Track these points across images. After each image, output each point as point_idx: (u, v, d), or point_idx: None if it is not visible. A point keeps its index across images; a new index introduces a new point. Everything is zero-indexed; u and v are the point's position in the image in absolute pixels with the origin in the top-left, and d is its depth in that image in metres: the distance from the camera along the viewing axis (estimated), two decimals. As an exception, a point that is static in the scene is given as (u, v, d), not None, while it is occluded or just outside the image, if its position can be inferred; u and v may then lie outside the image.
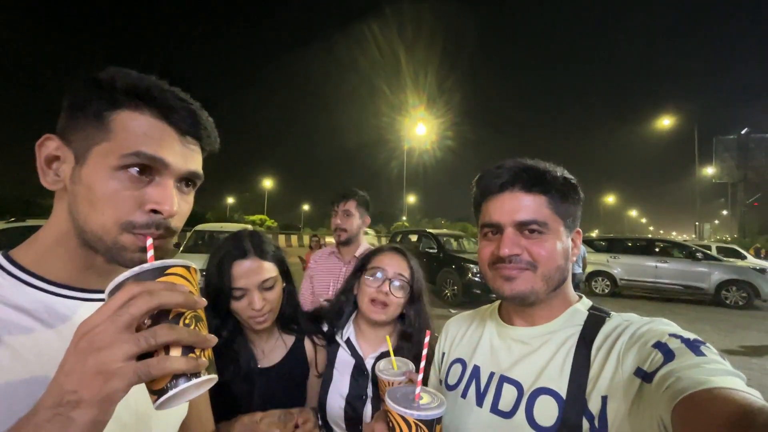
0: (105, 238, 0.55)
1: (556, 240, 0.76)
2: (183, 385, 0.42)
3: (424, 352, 0.71)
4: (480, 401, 0.79)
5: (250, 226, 9.73)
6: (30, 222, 7.75)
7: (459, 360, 0.91)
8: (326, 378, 1.23)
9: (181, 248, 8.39)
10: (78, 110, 0.56)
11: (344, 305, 1.31)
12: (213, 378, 0.46)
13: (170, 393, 0.42)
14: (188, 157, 0.60)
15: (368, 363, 1.21)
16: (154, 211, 0.56)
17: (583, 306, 0.80)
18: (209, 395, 0.89)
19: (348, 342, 1.25)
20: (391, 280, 1.20)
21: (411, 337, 1.22)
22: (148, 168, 0.56)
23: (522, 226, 0.75)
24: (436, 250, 9.68)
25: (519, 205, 0.76)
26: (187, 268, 0.50)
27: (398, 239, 11.53)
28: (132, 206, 0.55)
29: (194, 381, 0.43)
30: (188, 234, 9.13)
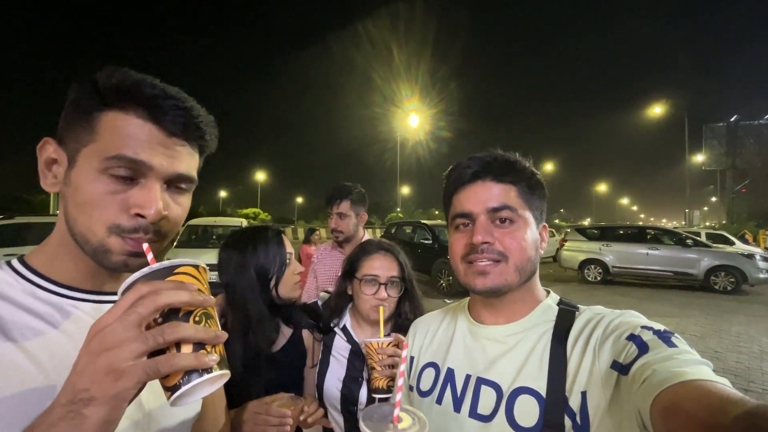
0: (91, 240, 0.55)
1: (527, 229, 0.76)
2: (195, 380, 0.43)
3: (402, 367, 0.67)
4: (457, 407, 0.76)
5: (244, 220, 9.67)
6: (19, 219, 7.63)
7: (431, 364, 0.87)
8: (323, 364, 1.31)
9: (175, 243, 8.30)
10: (71, 112, 0.56)
11: (342, 304, 1.37)
12: (225, 374, 0.47)
13: (183, 389, 0.43)
14: (176, 159, 0.58)
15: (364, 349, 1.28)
16: (140, 215, 0.55)
17: (552, 301, 0.80)
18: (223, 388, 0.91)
19: (344, 329, 1.33)
20: (385, 284, 1.25)
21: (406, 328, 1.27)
22: (132, 171, 0.54)
23: (494, 213, 0.75)
24: (431, 241, 9.71)
25: (490, 194, 0.76)
26: (196, 267, 0.50)
27: (393, 231, 11.57)
28: (117, 209, 0.54)
29: (206, 377, 0.44)
30: (181, 229, 9.02)
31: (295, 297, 1.25)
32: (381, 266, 1.27)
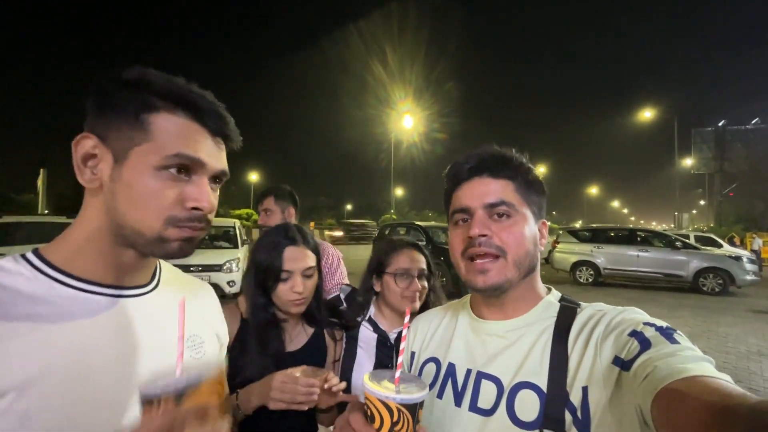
0: (147, 233, 0.59)
1: (524, 224, 0.76)
2: None
3: (402, 345, 0.68)
4: (458, 401, 0.77)
5: (237, 221, 9.62)
6: (6, 219, 7.50)
7: (432, 359, 0.87)
8: (349, 356, 1.32)
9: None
10: (112, 110, 0.59)
11: (369, 299, 1.41)
12: None
13: None
14: (218, 157, 0.65)
15: (391, 336, 1.35)
16: (195, 208, 0.60)
17: (554, 297, 0.81)
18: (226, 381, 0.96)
19: (370, 320, 1.38)
20: (417, 277, 1.32)
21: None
22: (186, 167, 0.60)
23: (491, 209, 0.76)
24: (424, 242, 9.69)
25: (488, 189, 0.77)
26: (219, 369, 0.53)
27: (387, 232, 11.56)
28: (173, 202, 0.59)
29: None
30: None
31: (292, 313, 1.22)
32: (412, 260, 1.34)
